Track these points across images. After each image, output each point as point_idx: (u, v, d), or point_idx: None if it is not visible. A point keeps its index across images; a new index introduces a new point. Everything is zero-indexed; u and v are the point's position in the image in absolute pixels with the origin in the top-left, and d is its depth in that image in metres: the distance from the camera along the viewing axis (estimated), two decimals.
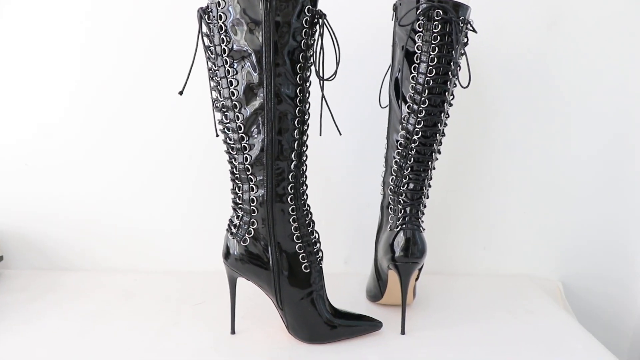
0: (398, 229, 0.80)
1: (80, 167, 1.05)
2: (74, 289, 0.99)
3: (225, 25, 0.66)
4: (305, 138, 0.72)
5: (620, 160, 1.08)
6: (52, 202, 1.06)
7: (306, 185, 0.74)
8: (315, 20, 0.67)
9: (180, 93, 0.68)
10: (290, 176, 0.71)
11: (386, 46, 0.84)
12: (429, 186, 0.81)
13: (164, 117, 1.03)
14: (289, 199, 0.72)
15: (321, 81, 0.69)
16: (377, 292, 0.91)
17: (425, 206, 0.82)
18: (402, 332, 0.80)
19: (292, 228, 0.73)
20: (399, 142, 0.79)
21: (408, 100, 0.76)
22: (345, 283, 1.02)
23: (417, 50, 0.73)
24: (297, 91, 0.68)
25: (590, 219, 1.11)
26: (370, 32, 0.97)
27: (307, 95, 0.70)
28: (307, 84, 0.70)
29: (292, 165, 0.71)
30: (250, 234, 0.73)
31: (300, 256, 0.73)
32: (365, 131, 1.03)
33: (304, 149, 0.72)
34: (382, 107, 0.87)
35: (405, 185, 0.79)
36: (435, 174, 1.00)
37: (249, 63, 0.66)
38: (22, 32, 0.99)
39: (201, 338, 0.78)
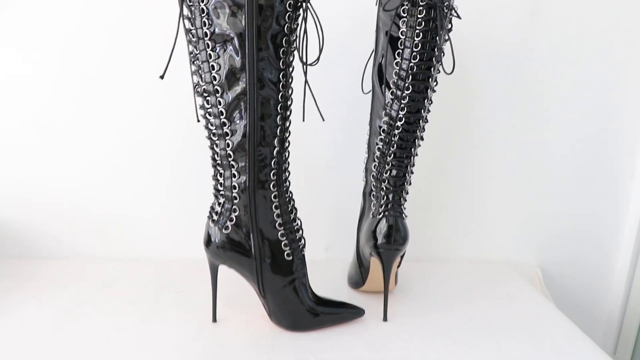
0: (380, 216, 0.79)
1: (55, 150, 1.02)
2: (51, 278, 0.97)
3: (207, 8, 0.64)
4: (288, 124, 0.71)
5: (598, 154, 1.10)
6: (26, 187, 1.03)
7: (288, 172, 0.73)
8: (299, 4, 0.66)
9: (162, 77, 0.66)
10: (272, 162, 0.70)
11: (370, 31, 0.83)
12: (412, 173, 0.80)
13: (141, 100, 1.01)
14: (271, 186, 0.71)
15: (304, 66, 0.68)
16: (358, 279, 0.91)
17: (407, 193, 0.81)
18: (385, 319, 0.80)
19: (275, 215, 0.72)
20: (382, 129, 0.78)
21: (392, 86, 0.75)
22: (327, 270, 1.02)
23: (401, 36, 0.72)
24: (280, 76, 0.67)
25: (569, 209, 1.12)
26: (354, 17, 0.96)
27: (290, 80, 0.69)
28: (290, 69, 0.69)
29: (275, 152, 0.70)
30: (232, 221, 0.72)
31: (283, 244, 0.73)
32: (348, 117, 1.02)
33: (287, 135, 0.71)
34: (365, 93, 0.86)
35: (388, 172, 0.79)
36: (418, 161, 1.00)
37: (231, 47, 0.65)
38: None
39: (182, 326, 0.77)
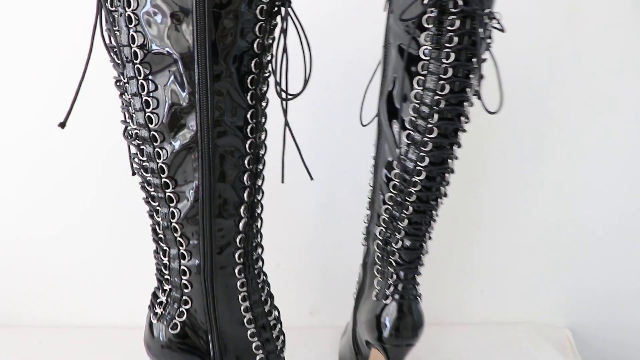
0: (388, 301, 0.59)
1: None
2: None
3: (136, 16, 0.42)
4: (260, 182, 0.49)
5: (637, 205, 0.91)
6: None
7: (261, 247, 0.51)
8: (275, 9, 0.44)
9: (62, 125, 0.44)
10: (238, 239, 0.48)
11: (374, 47, 0.61)
12: (429, 239, 0.59)
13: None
14: (236, 271, 0.49)
15: (284, 101, 0.46)
16: None
17: (422, 265, 0.60)
18: None
19: (242, 309, 0.51)
20: (392, 184, 0.57)
21: (408, 126, 0.53)
22: (312, 340, 0.84)
23: (422, 57, 0.50)
24: (248, 116, 0.45)
25: (603, 262, 0.94)
26: (354, 28, 0.73)
27: (263, 120, 0.47)
28: (263, 105, 0.47)
29: (241, 224, 0.48)
30: (182, 316, 0.51)
31: (254, 346, 0.52)
32: (341, 157, 0.81)
33: (259, 198, 0.50)
34: (364, 125, 0.65)
35: (400, 243, 0.58)
36: None
37: (173, 75, 0.43)
38: None
39: None
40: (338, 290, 0.86)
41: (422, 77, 0.51)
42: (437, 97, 0.51)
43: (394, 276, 0.59)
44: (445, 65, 0.49)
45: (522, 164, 0.89)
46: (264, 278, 0.53)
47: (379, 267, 0.61)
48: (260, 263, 0.52)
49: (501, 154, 0.87)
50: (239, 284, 0.50)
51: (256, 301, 0.52)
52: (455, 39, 0.48)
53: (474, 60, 0.49)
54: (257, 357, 0.52)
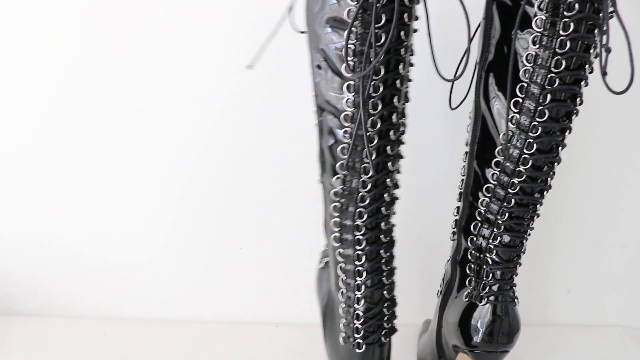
0: (483, 302, 0.53)
1: (43, 189, 0.79)
2: (21, 344, 0.74)
3: None
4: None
5: None
6: (5, 233, 0.80)
7: None
8: None
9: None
10: None
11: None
12: (529, 236, 0.53)
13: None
14: None
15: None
16: None
17: (520, 265, 0.54)
18: None
19: None
20: (492, 174, 0.51)
21: (513, 108, 0.47)
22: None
23: (535, 29, 0.44)
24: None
25: None
26: None
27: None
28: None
29: None
30: None
31: None
32: (424, 146, 0.76)
33: None
34: (453, 109, 0.59)
35: (498, 239, 0.52)
36: None
37: None
38: None
39: None
40: (414, 287, 0.82)
41: (533, 53, 0.44)
42: (550, 75, 0.44)
43: (490, 276, 0.53)
44: (562, 37, 0.43)
45: (613, 159, 0.81)
46: None
47: (472, 265, 0.55)
48: None
49: (591, 148, 0.80)
50: None
51: None
52: (576, 5, 0.42)
53: (595, 31, 0.43)
54: None
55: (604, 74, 0.41)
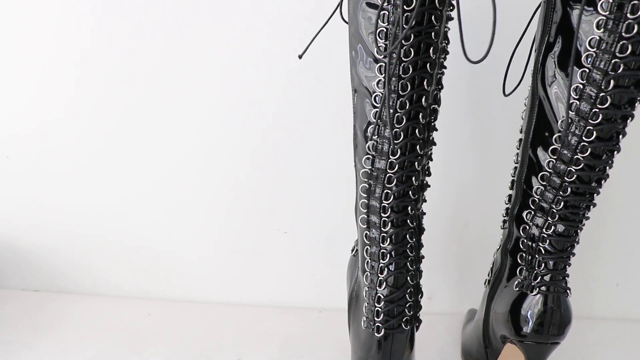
0: (534, 292, 0.52)
1: (85, 173, 0.81)
2: (69, 322, 0.77)
3: None
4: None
5: None
6: (52, 213, 0.83)
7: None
8: None
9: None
10: None
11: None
12: (584, 225, 0.52)
13: (198, 128, 0.78)
14: None
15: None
16: (480, 358, 0.65)
17: (574, 255, 0.53)
18: None
19: None
20: (548, 162, 0.50)
21: (573, 95, 0.46)
22: (430, 326, 0.75)
23: (601, 12, 0.42)
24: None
25: None
26: None
27: None
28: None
29: None
30: None
31: None
32: (475, 132, 0.74)
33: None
34: (506, 95, 0.57)
35: (552, 228, 0.51)
36: None
37: None
38: (24, 22, 0.74)
39: None
40: (458, 276, 0.82)
41: (597, 37, 0.43)
42: (615, 61, 0.43)
43: (542, 265, 0.52)
44: (630, 21, 0.41)
45: None
46: None
47: (524, 255, 0.54)
48: None
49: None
50: None
51: None
52: None
53: None
54: None
55: None
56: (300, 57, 0.55)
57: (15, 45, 0.75)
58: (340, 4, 0.51)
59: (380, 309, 0.52)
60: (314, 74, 0.73)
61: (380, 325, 0.52)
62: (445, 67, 0.49)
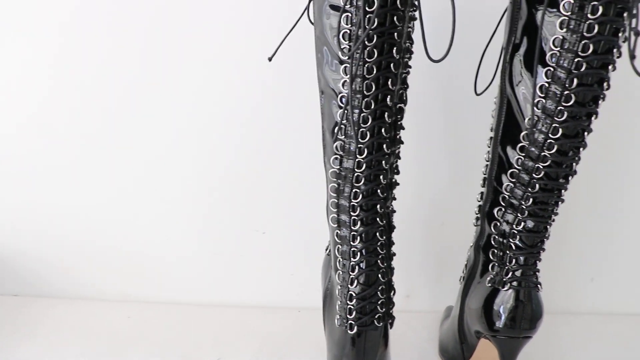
0: (506, 288, 0.53)
1: (64, 175, 0.80)
2: (50, 328, 0.76)
3: None
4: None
5: None
6: (30, 216, 0.82)
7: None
8: None
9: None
10: None
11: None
12: (553, 221, 0.53)
13: (178, 127, 0.78)
14: None
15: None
16: (457, 355, 0.66)
17: (544, 250, 0.54)
18: None
19: None
20: (517, 159, 0.51)
21: (540, 93, 0.47)
22: (408, 324, 0.78)
23: (563, 12, 0.43)
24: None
25: None
26: None
27: None
28: None
29: None
30: None
31: None
32: (449, 132, 0.75)
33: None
34: (478, 94, 0.59)
35: (522, 224, 0.52)
36: None
37: None
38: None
39: None
40: (435, 274, 0.82)
41: (560, 37, 0.44)
42: (577, 59, 0.44)
43: (513, 261, 0.53)
44: (590, 21, 0.42)
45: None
46: None
47: (496, 251, 0.55)
48: None
49: (619, 136, 0.78)
50: None
51: None
52: None
53: (624, 15, 0.42)
54: None
55: (632, 57, 0.41)
56: (270, 59, 0.55)
57: None
58: (307, 7, 0.52)
59: (352, 307, 0.52)
60: (289, 76, 0.73)
61: (353, 322, 0.53)
62: (410, 67, 0.50)
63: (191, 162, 0.79)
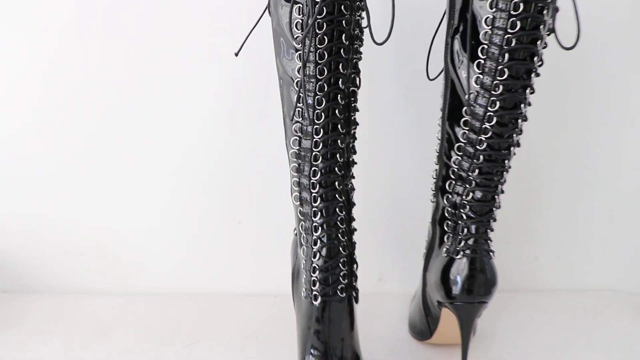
0: (459, 256, 0.56)
1: (44, 172, 0.84)
2: (37, 319, 0.79)
3: None
4: None
5: None
6: (11, 212, 0.85)
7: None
8: None
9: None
10: None
11: None
12: (502, 192, 0.56)
13: (157, 123, 0.82)
14: None
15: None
16: (424, 329, 0.69)
17: (495, 220, 0.57)
18: None
19: None
20: (462, 134, 0.54)
21: (476, 69, 0.51)
22: (380, 307, 0.81)
23: None
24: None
25: None
26: None
27: None
28: None
29: None
30: None
31: None
32: (406, 115, 0.79)
33: None
34: (431, 79, 0.62)
35: (470, 194, 0.55)
36: None
37: None
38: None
39: None
40: (407, 257, 0.85)
41: (490, 16, 0.48)
42: (507, 36, 0.48)
43: (465, 230, 0.56)
44: (516, 0, 0.46)
45: (607, 118, 0.82)
46: None
47: (450, 222, 0.59)
48: None
49: (582, 108, 0.81)
50: None
51: None
52: None
53: None
54: None
55: (552, 31, 0.45)
56: (236, 54, 0.59)
57: None
58: (269, 3, 0.56)
59: (316, 279, 0.56)
60: (260, 71, 0.76)
61: (317, 293, 0.56)
62: (361, 53, 0.53)
63: (168, 155, 0.82)
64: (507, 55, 0.48)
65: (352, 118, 0.56)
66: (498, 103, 0.50)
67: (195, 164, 0.82)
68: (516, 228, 0.85)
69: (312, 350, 0.56)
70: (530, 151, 0.82)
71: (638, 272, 0.88)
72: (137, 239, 0.86)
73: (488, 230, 0.57)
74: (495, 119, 0.51)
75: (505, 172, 0.55)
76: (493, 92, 0.50)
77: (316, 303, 0.56)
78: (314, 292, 0.56)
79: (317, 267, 0.56)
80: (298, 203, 0.56)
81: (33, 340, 0.72)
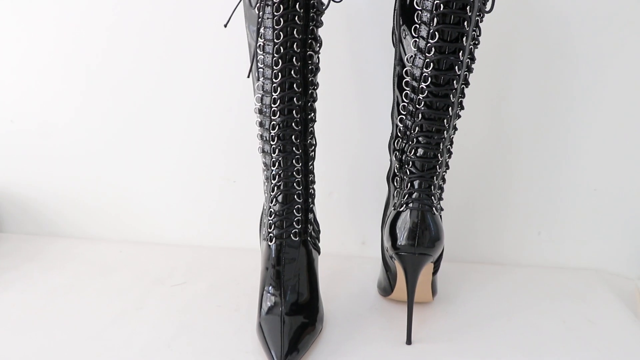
0: (403, 209, 0.61)
1: (71, 129, 0.94)
2: (54, 257, 0.90)
3: None
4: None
5: None
6: (43, 166, 0.96)
7: None
8: None
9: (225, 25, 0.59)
10: None
11: None
12: (449, 152, 0.61)
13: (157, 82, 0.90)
14: None
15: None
16: (386, 285, 0.73)
17: (444, 180, 0.62)
18: (408, 342, 0.63)
19: None
20: (404, 93, 0.59)
21: (413, 33, 0.56)
22: (362, 270, 0.86)
23: None
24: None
25: None
26: None
27: None
28: None
29: None
30: None
31: None
32: (374, 80, 0.83)
33: None
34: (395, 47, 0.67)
35: (413, 151, 0.60)
36: (478, 139, 0.81)
37: None
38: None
39: (161, 328, 0.66)
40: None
41: None
42: (436, 2, 0.52)
43: (409, 185, 0.60)
44: None
45: (589, 94, 0.82)
46: None
47: (398, 178, 0.63)
48: None
49: (565, 85, 0.82)
50: None
51: None
52: None
53: None
54: None
55: None
56: (225, 25, 0.65)
57: None
58: None
59: (272, 222, 0.62)
60: None
61: (273, 235, 0.62)
62: (320, 21, 0.59)
63: (166, 114, 0.89)
64: (436, 20, 0.53)
65: (310, 79, 0.61)
66: (432, 64, 0.55)
67: (194, 127, 0.90)
68: (499, 204, 0.87)
69: (269, 288, 0.63)
70: (514, 126, 0.85)
71: (629, 255, 0.89)
72: (145, 196, 0.95)
73: (432, 187, 0.60)
74: (430, 79, 0.56)
75: (446, 131, 0.59)
76: (427, 54, 0.55)
77: (271, 244, 0.62)
78: (270, 234, 0.62)
79: (273, 211, 0.62)
80: (261, 154, 0.63)
81: (49, 275, 0.82)
